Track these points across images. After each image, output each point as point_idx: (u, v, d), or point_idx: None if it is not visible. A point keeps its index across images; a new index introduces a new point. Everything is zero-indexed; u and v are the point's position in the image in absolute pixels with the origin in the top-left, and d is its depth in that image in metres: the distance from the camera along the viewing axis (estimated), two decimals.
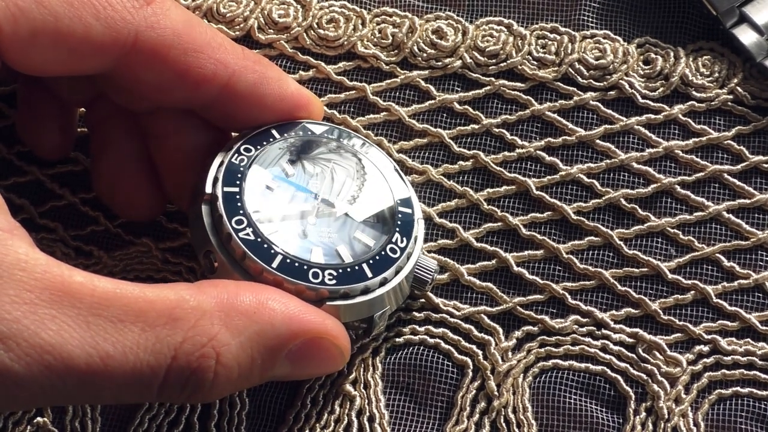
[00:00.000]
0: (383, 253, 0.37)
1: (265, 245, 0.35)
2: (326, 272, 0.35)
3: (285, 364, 0.33)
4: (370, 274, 0.36)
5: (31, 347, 0.27)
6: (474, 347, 0.39)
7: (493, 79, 0.43)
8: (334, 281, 0.35)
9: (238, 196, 0.36)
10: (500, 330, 0.40)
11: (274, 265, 0.34)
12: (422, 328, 0.40)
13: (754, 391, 0.38)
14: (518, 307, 0.40)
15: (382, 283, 0.36)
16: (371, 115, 0.43)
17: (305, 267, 0.35)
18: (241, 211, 0.35)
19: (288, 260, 0.35)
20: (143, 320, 0.29)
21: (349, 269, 0.36)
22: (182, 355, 0.30)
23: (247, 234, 0.35)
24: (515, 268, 0.40)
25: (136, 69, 0.35)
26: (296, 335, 0.33)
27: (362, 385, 0.39)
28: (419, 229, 0.38)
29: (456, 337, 0.39)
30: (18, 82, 0.42)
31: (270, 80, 0.38)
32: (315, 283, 0.34)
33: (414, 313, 0.40)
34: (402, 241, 0.37)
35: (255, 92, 0.37)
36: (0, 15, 0.31)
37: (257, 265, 0.34)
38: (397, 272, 0.37)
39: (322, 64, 0.44)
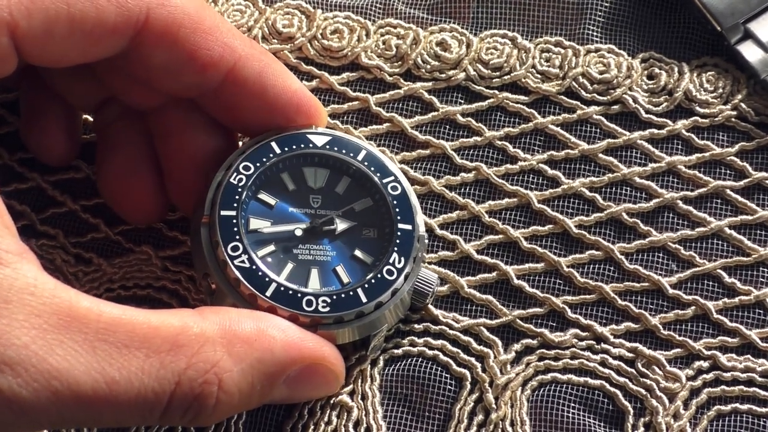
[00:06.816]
0: (379, 275, 0.36)
1: (260, 273, 0.35)
2: (320, 299, 0.35)
3: (283, 388, 0.34)
4: (364, 299, 0.36)
5: (39, 373, 0.27)
6: (473, 360, 0.39)
7: (496, 91, 0.43)
8: (327, 308, 0.35)
9: (234, 220, 0.36)
10: (499, 343, 0.39)
11: (268, 293, 0.35)
12: (421, 340, 0.40)
13: (754, 407, 0.38)
14: (518, 320, 0.40)
15: (378, 307, 0.36)
16: (374, 126, 0.43)
17: (299, 295, 0.35)
18: (237, 237, 0.36)
19: (282, 288, 0.35)
20: (147, 346, 0.30)
21: (343, 295, 0.36)
22: (186, 381, 0.30)
23: (242, 261, 0.35)
24: (515, 281, 0.40)
25: (147, 49, 0.35)
26: (294, 362, 0.34)
27: (360, 396, 0.39)
28: (420, 247, 0.38)
29: (455, 350, 0.39)
30: (22, 89, 0.42)
31: (275, 71, 0.38)
32: (308, 311, 0.35)
33: (413, 324, 0.40)
34: (400, 262, 0.37)
35: (258, 81, 0.37)
36: (14, 10, 0.31)
37: (251, 291, 0.35)
38: (393, 294, 0.37)
39: (326, 74, 0.44)
